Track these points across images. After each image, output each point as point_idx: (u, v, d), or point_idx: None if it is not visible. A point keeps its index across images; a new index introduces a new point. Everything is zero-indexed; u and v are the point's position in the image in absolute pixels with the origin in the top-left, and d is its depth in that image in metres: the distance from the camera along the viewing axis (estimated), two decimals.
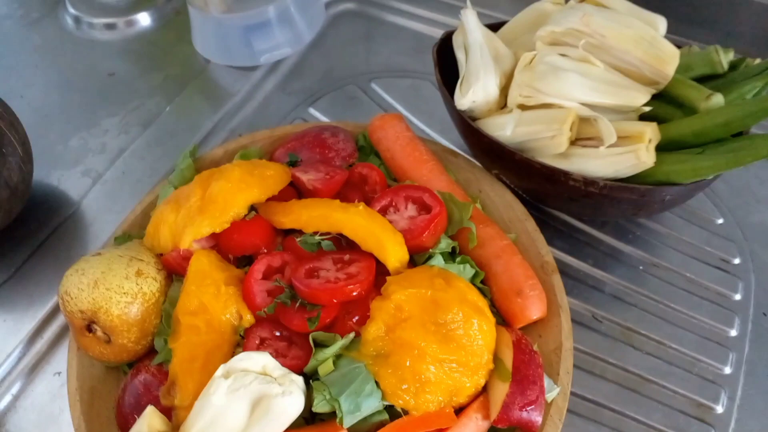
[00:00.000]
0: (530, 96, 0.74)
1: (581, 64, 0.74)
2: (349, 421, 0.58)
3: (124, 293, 0.66)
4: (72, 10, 1.26)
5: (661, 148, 0.71)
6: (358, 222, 0.67)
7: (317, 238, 0.69)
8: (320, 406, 0.58)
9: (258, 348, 0.64)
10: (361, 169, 0.79)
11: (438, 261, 0.68)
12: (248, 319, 0.65)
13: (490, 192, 0.79)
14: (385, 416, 0.60)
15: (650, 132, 0.70)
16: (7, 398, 0.79)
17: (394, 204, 0.72)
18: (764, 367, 0.76)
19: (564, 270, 0.82)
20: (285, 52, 1.14)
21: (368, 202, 0.72)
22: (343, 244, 0.70)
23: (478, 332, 0.62)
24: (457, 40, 0.83)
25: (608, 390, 0.75)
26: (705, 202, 0.90)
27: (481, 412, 0.61)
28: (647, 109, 0.74)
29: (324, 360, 0.61)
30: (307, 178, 0.75)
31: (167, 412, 0.61)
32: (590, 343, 0.78)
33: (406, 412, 0.60)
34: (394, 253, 0.66)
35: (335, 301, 0.64)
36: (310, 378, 0.61)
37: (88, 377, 0.69)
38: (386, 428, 0.59)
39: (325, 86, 1.10)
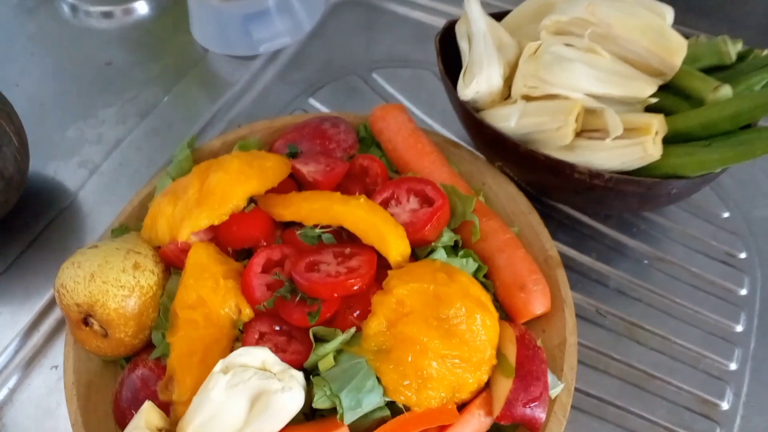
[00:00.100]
0: (535, 86, 0.73)
1: (587, 54, 0.73)
2: (349, 418, 0.57)
3: (121, 286, 0.65)
4: None
5: (668, 141, 0.70)
6: (359, 215, 0.67)
7: (317, 231, 0.68)
8: (320, 402, 0.58)
9: (257, 343, 0.63)
10: (362, 161, 0.78)
11: (440, 255, 0.67)
12: (247, 313, 0.65)
13: (494, 184, 0.78)
14: (387, 412, 0.60)
15: (657, 124, 0.69)
16: (4, 392, 0.78)
17: (395, 196, 0.71)
18: None
19: (567, 264, 0.81)
20: (284, 42, 1.12)
21: (369, 195, 0.71)
22: (343, 237, 0.69)
23: (481, 327, 0.61)
24: (460, 30, 0.82)
25: (612, 386, 0.74)
26: (710, 195, 0.89)
27: (484, 408, 0.60)
28: (654, 100, 0.73)
29: (324, 355, 0.60)
30: (307, 169, 0.74)
31: (165, 407, 0.61)
32: (594, 338, 0.77)
33: (407, 409, 0.59)
34: (395, 246, 0.65)
35: (336, 295, 0.63)
36: (311, 373, 0.61)
37: (85, 371, 0.69)
38: (387, 425, 0.58)
39: (325, 76, 1.09)
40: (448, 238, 0.69)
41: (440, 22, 0.87)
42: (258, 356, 0.58)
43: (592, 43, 0.73)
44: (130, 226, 0.77)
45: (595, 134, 0.72)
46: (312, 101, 1.05)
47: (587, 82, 0.71)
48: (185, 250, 0.68)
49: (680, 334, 0.77)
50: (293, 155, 0.79)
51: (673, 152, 0.70)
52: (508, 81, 0.78)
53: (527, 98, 0.74)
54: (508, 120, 0.74)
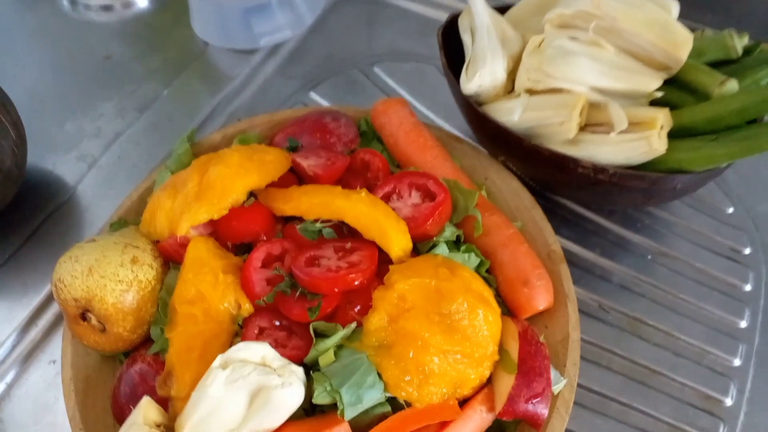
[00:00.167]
0: (539, 80, 0.72)
1: (591, 47, 0.72)
2: (350, 414, 0.57)
3: (119, 281, 0.64)
4: None
5: (673, 135, 0.70)
6: (360, 209, 0.66)
7: (318, 225, 0.68)
8: (321, 398, 0.57)
9: (257, 338, 0.62)
10: (363, 155, 0.77)
11: (442, 250, 0.67)
12: (247, 308, 0.64)
13: (496, 179, 0.78)
14: (388, 408, 0.59)
15: (662, 118, 0.69)
16: (2, 387, 0.78)
17: (397, 191, 0.71)
18: None
19: (571, 259, 0.81)
20: (285, 35, 1.12)
21: (371, 189, 0.70)
22: (344, 231, 0.68)
23: (483, 323, 0.60)
24: (463, 23, 0.81)
25: (615, 382, 0.73)
26: (715, 190, 0.89)
27: (486, 404, 0.60)
28: (659, 94, 0.72)
29: (325, 350, 0.60)
30: (307, 163, 0.74)
31: (164, 402, 0.60)
32: (597, 333, 0.77)
33: (408, 405, 0.59)
34: (397, 241, 0.64)
35: (336, 290, 0.62)
36: (311, 369, 0.60)
37: (83, 366, 0.68)
38: (388, 421, 0.58)
39: (326, 70, 1.08)
40: (450, 232, 0.69)
41: (442, 16, 0.87)
42: (258, 351, 0.57)
43: (597, 36, 0.72)
44: (129, 220, 0.77)
45: (599, 128, 0.71)
46: (313, 95, 1.04)
47: (591, 75, 0.71)
48: (184, 244, 0.68)
49: (684, 329, 0.77)
50: (293, 149, 0.79)
51: (679, 147, 0.69)
52: (512, 75, 0.77)
53: (531, 92, 0.74)
54: (512, 114, 0.73)
